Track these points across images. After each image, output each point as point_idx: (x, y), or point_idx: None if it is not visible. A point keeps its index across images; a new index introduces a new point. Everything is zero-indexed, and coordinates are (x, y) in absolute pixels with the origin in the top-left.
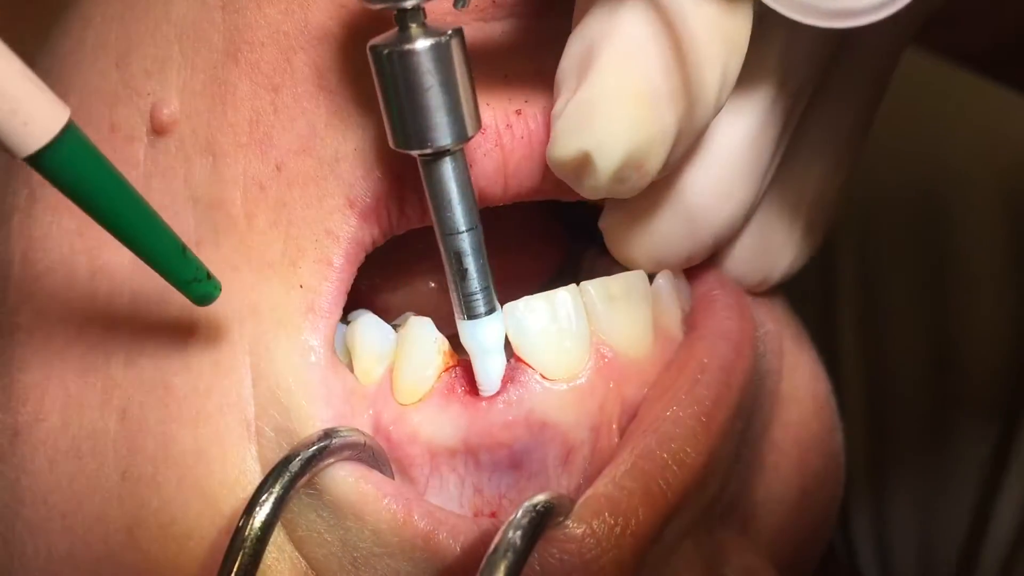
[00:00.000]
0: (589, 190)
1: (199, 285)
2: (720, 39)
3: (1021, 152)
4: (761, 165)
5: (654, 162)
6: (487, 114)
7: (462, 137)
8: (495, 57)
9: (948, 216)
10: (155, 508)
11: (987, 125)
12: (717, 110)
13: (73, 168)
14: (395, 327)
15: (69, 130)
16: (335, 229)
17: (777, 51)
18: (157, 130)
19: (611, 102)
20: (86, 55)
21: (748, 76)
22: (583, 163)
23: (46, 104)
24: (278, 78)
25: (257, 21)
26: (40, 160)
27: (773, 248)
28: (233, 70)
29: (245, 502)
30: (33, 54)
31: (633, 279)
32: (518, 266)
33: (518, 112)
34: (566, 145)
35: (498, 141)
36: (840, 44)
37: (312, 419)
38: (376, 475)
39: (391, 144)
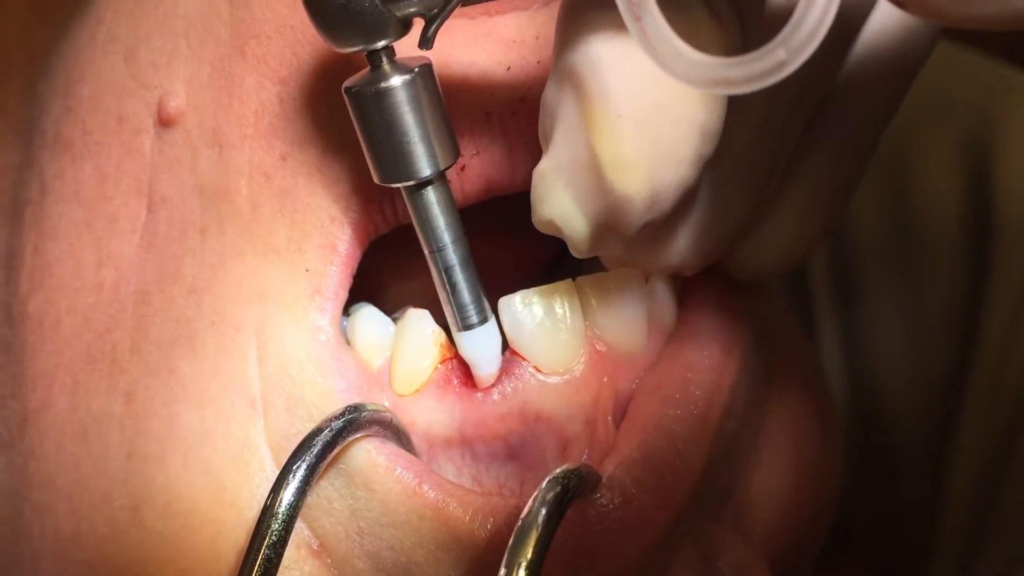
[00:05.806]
0: (577, 254)
1: None
2: (692, 98)
3: (974, 115)
4: (753, 187)
5: (630, 225)
6: (491, 102)
7: (440, 167)
8: (498, 51)
9: (910, 175)
10: (160, 486)
11: (942, 85)
12: (700, 160)
13: None
14: (395, 319)
15: None
16: (340, 216)
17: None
18: (164, 122)
19: (564, 174)
20: (97, 49)
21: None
22: (557, 230)
23: None
24: (284, 71)
25: (264, 15)
26: None
27: (773, 243)
28: (240, 63)
29: (249, 476)
30: (50, 45)
31: (629, 276)
32: (514, 252)
33: (521, 100)
34: (538, 212)
35: (503, 129)
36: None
37: (329, 391)
38: (390, 446)
39: (375, 180)
